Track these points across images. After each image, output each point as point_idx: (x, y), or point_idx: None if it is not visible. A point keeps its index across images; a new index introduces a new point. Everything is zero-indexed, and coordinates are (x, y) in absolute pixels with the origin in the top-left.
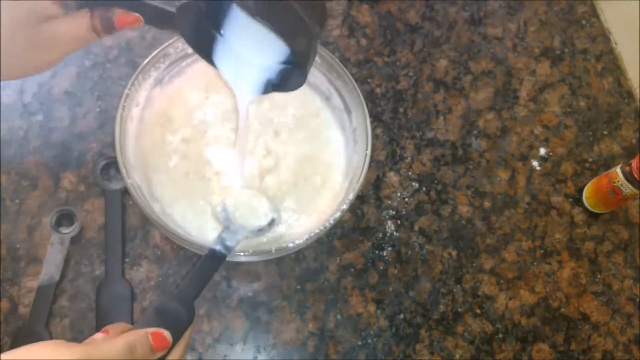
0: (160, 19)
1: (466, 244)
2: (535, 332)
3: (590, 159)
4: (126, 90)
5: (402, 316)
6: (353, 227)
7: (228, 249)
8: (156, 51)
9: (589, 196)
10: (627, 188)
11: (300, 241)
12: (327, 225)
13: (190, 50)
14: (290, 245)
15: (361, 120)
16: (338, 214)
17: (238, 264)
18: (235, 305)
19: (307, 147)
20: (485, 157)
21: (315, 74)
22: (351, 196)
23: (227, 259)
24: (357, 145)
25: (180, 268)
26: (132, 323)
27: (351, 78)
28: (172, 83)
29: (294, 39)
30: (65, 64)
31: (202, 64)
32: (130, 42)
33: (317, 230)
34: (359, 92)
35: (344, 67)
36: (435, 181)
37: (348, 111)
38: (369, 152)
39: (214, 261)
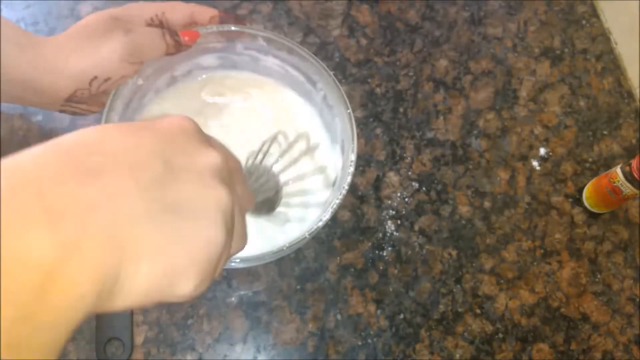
0: None
1: (466, 244)
2: (535, 332)
3: (590, 159)
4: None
5: (402, 316)
6: (353, 227)
7: None
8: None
9: (589, 196)
10: (627, 188)
11: (296, 242)
12: (322, 219)
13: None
14: (286, 247)
15: (330, 86)
16: (337, 201)
17: None
18: (235, 305)
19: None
20: (485, 157)
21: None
22: (348, 180)
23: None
24: (333, 111)
25: None
26: (132, 323)
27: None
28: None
29: None
30: None
31: (157, 101)
32: None
33: (314, 227)
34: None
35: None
36: (435, 181)
37: (312, 82)
38: (350, 111)
39: None
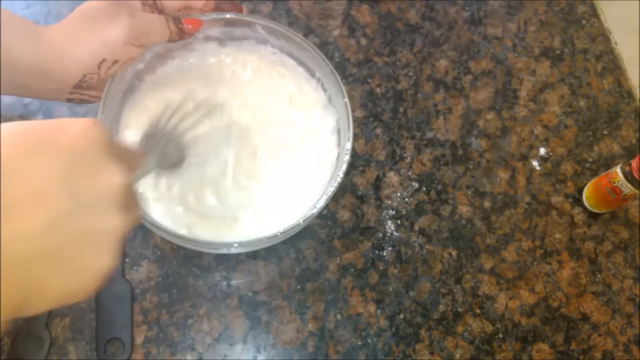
0: None
1: (466, 244)
2: (535, 332)
3: (590, 159)
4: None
5: (402, 316)
6: (353, 227)
7: None
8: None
9: (589, 196)
10: (627, 188)
11: (289, 225)
12: (317, 206)
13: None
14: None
15: (328, 76)
16: (332, 189)
17: (238, 263)
18: (235, 305)
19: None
20: (485, 157)
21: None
22: (340, 174)
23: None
24: (332, 101)
25: (180, 268)
26: (132, 323)
27: (301, 37)
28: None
29: None
30: None
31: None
32: None
33: (308, 214)
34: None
35: (293, 31)
36: (435, 181)
37: (310, 72)
38: (347, 100)
39: None
